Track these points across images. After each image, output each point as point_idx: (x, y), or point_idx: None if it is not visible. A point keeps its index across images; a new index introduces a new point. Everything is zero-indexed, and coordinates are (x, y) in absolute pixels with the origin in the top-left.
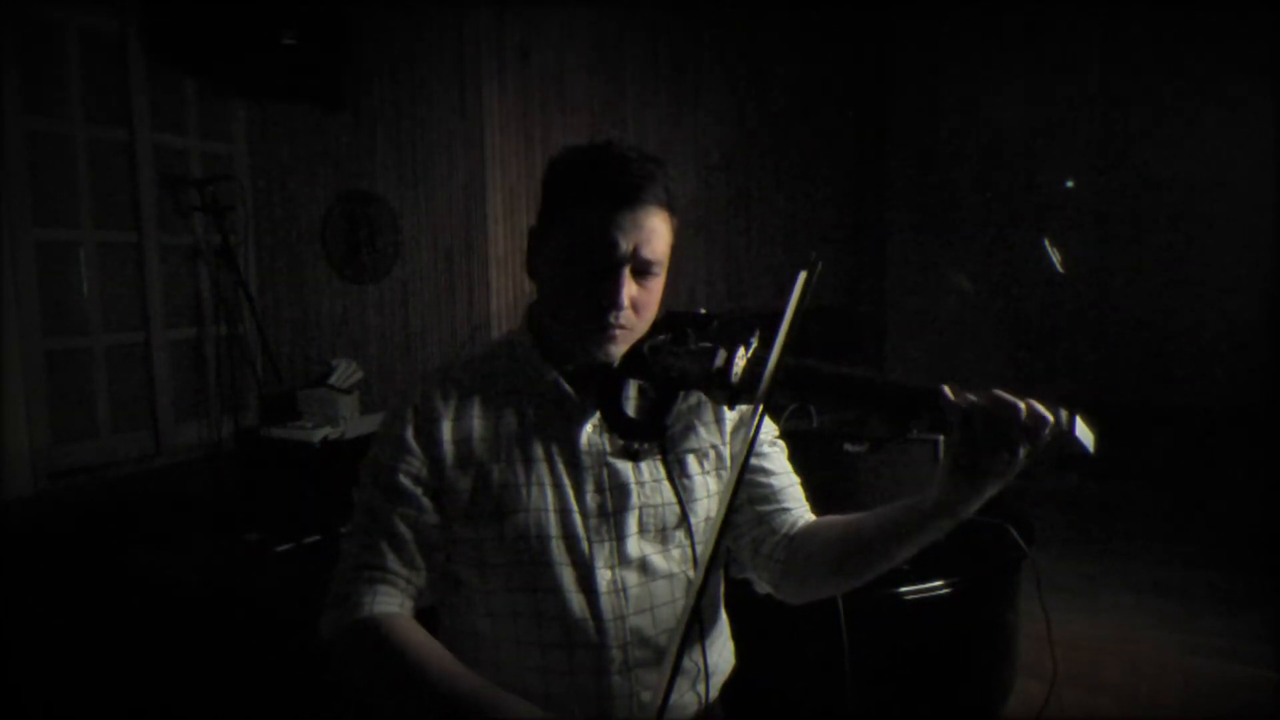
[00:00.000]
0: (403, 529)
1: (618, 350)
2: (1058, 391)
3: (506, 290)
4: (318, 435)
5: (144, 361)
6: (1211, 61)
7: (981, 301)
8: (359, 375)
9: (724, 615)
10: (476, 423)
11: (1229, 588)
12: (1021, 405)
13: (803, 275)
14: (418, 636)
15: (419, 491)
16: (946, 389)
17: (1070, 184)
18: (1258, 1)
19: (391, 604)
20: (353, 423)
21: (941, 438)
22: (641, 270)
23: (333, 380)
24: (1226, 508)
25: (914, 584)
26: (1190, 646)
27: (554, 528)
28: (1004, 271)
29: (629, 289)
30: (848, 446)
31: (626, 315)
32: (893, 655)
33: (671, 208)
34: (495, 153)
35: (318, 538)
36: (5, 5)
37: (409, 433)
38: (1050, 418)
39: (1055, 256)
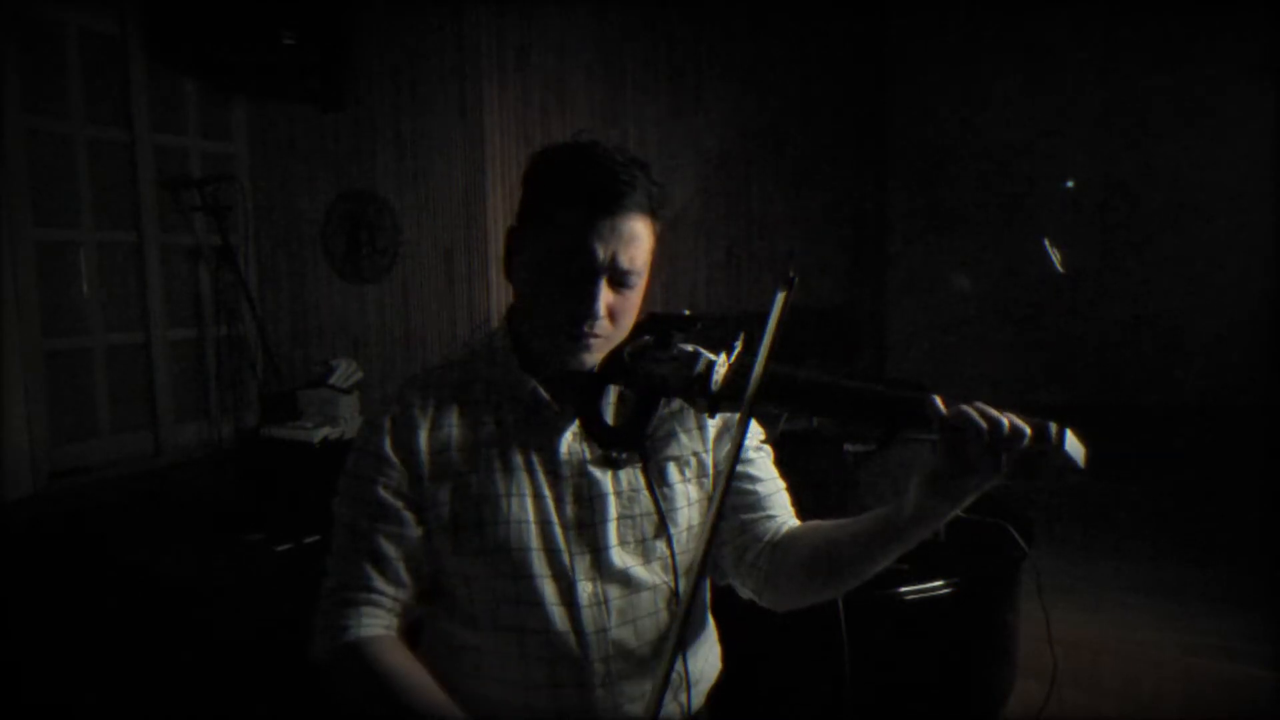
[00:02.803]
0: (386, 547)
1: (592, 359)
2: (1056, 392)
3: (506, 290)
4: (318, 435)
5: (144, 361)
6: (1211, 61)
7: (981, 301)
8: (359, 375)
9: (710, 621)
10: (454, 431)
11: (1229, 588)
12: (1004, 419)
13: (781, 294)
14: (404, 663)
15: (400, 505)
16: (936, 399)
17: (1070, 184)
18: (1258, 1)
19: (377, 626)
20: (353, 423)
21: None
22: (619, 279)
23: (333, 380)
24: (1226, 507)
25: (914, 584)
26: (1190, 646)
27: (534, 540)
28: (1004, 272)
29: (605, 297)
30: (847, 447)
31: (602, 324)
32: (892, 655)
33: (654, 214)
34: (495, 153)
35: (318, 538)
36: (5, 5)
37: (386, 444)
38: (1029, 430)
39: (1055, 256)
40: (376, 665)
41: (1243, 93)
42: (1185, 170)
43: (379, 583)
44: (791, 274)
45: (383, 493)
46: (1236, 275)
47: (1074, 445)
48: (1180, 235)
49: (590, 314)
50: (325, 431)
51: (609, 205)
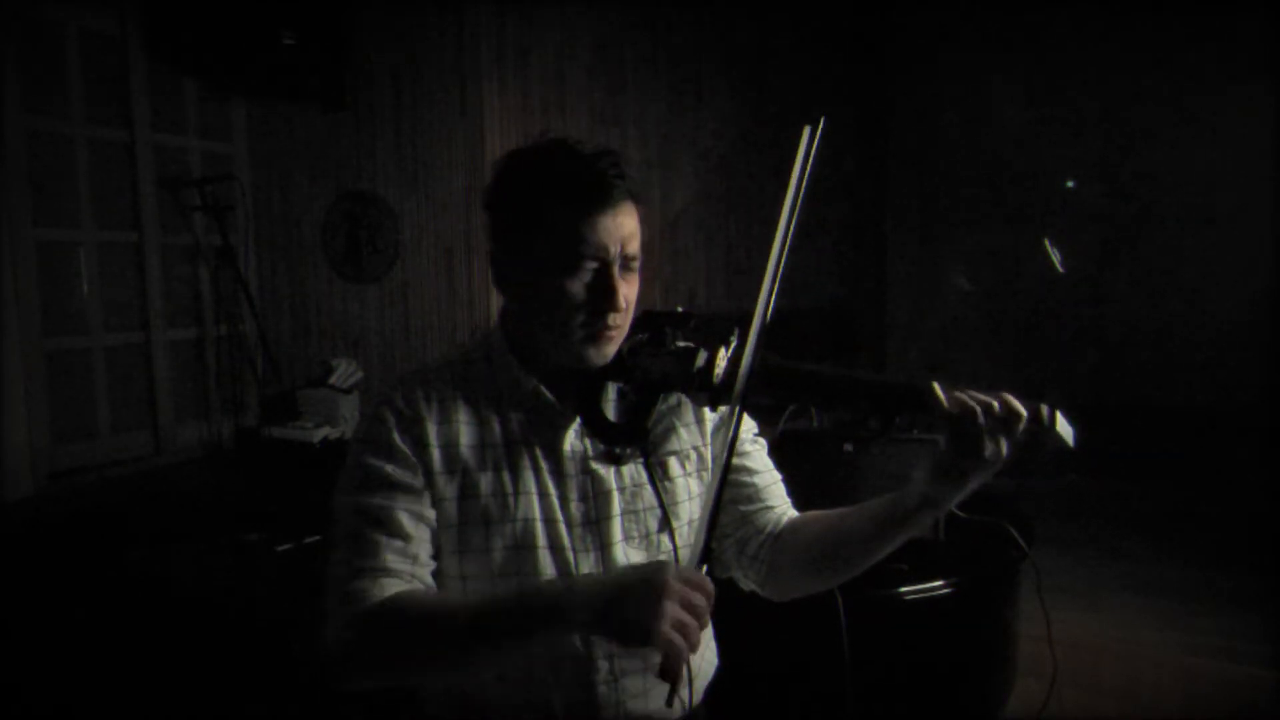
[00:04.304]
0: (403, 521)
1: (612, 350)
2: (1056, 391)
3: None
4: (318, 435)
5: (144, 361)
6: (1211, 61)
7: (981, 301)
8: (359, 375)
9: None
10: (462, 428)
11: (1229, 588)
12: (1001, 402)
13: (807, 130)
14: (437, 594)
15: (417, 485)
16: (934, 386)
17: (1070, 184)
18: (1257, 3)
19: (399, 588)
20: (353, 423)
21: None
22: (627, 267)
23: (333, 380)
24: (1226, 508)
25: (914, 584)
26: (1190, 646)
27: (541, 538)
28: (1004, 271)
29: (621, 287)
30: (848, 446)
31: (622, 313)
32: (892, 655)
33: (638, 199)
34: (495, 153)
35: (318, 538)
36: (5, 5)
37: (395, 435)
38: (1025, 413)
39: (1055, 256)
40: (414, 601)
41: (1243, 94)
42: (1185, 171)
43: (395, 560)
44: (822, 117)
45: (395, 473)
46: (1236, 275)
47: (1064, 425)
48: (1180, 236)
49: (615, 306)
50: (325, 431)
51: (605, 198)
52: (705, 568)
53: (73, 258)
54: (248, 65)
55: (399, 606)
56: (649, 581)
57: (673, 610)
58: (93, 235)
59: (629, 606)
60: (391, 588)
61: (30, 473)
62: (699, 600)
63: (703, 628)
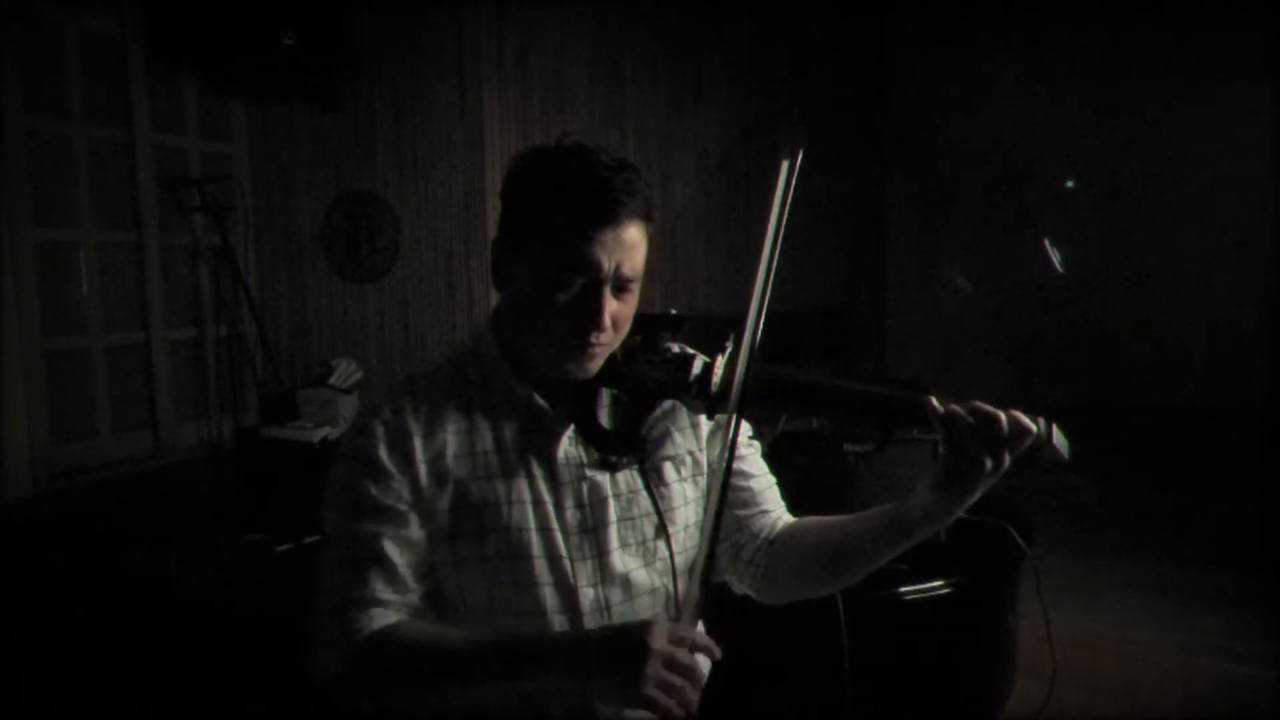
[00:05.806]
0: (390, 552)
1: (594, 367)
2: (1056, 392)
3: None
4: (318, 435)
5: (144, 361)
6: (1211, 61)
7: (981, 301)
8: (359, 375)
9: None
10: (450, 438)
11: (1228, 587)
12: (1003, 416)
13: (786, 165)
14: (429, 627)
15: (403, 509)
16: (932, 400)
17: (1070, 184)
18: (1258, 2)
19: (391, 620)
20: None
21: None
22: (621, 287)
23: (333, 380)
24: (1226, 508)
25: (914, 584)
26: (1190, 646)
27: (536, 547)
28: (1003, 272)
29: (609, 307)
30: (847, 446)
31: (607, 334)
32: (892, 656)
33: (649, 217)
34: (495, 153)
35: (318, 538)
36: (5, 5)
37: (382, 451)
38: (1032, 427)
39: (1055, 256)
40: (405, 638)
41: (1243, 93)
42: (1185, 171)
43: (385, 590)
44: (799, 146)
45: (382, 497)
46: (1236, 275)
47: (1061, 439)
48: (1178, 236)
49: (599, 326)
50: (325, 431)
51: (609, 216)
52: (701, 623)
53: (73, 258)
54: (248, 65)
55: (391, 642)
56: (633, 643)
57: (656, 672)
58: (92, 235)
59: (613, 669)
60: (382, 618)
61: (30, 473)
62: (686, 659)
63: (697, 687)
